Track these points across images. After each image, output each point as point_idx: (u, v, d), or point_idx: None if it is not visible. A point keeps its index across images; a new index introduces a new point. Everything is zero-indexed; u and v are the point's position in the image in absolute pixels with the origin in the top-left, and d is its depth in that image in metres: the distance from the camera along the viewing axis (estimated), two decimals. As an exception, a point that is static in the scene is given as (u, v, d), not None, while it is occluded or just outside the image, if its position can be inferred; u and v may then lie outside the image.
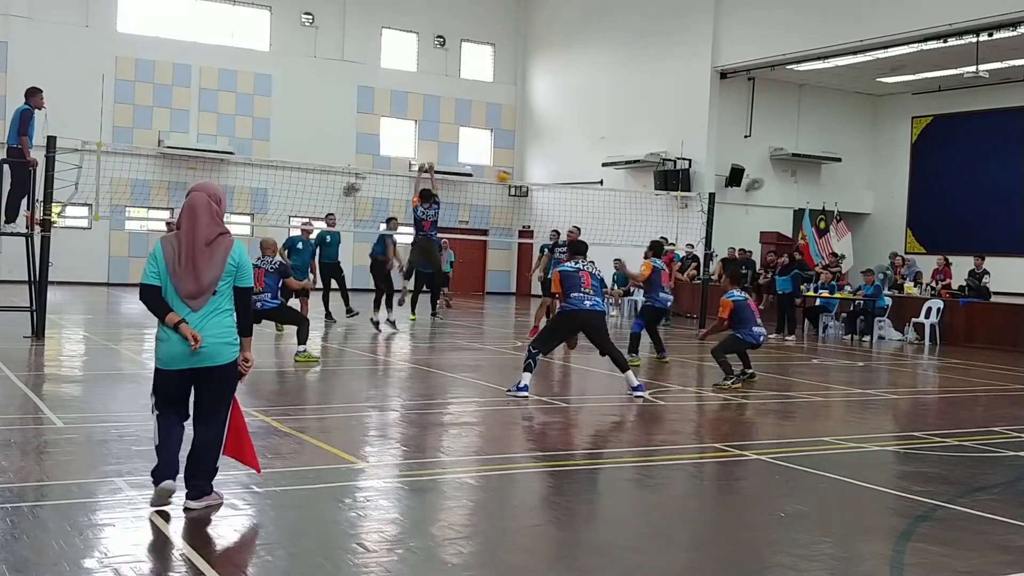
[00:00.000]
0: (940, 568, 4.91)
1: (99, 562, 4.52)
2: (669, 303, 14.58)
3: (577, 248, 11.08)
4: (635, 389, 10.33)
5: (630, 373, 10.47)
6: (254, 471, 5.71)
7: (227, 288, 5.36)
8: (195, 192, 5.40)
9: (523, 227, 32.00)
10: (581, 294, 10.37)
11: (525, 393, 10.00)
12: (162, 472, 5.29)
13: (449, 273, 25.84)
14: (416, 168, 19.19)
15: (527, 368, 10.17)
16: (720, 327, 11.92)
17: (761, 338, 11.66)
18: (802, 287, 21.11)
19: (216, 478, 5.46)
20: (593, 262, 10.82)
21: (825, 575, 4.76)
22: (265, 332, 14.85)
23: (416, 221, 17.20)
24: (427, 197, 17.12)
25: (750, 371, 11.88)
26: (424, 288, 18.97)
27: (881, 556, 5.11)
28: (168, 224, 20.21)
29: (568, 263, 10.78)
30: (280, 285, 12.76)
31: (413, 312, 19.13)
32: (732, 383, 11.30)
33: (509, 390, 10.17)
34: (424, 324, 18.90)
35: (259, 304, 12.26)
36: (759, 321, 11.74)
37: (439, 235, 18.16)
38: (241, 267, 5.38)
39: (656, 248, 15.35)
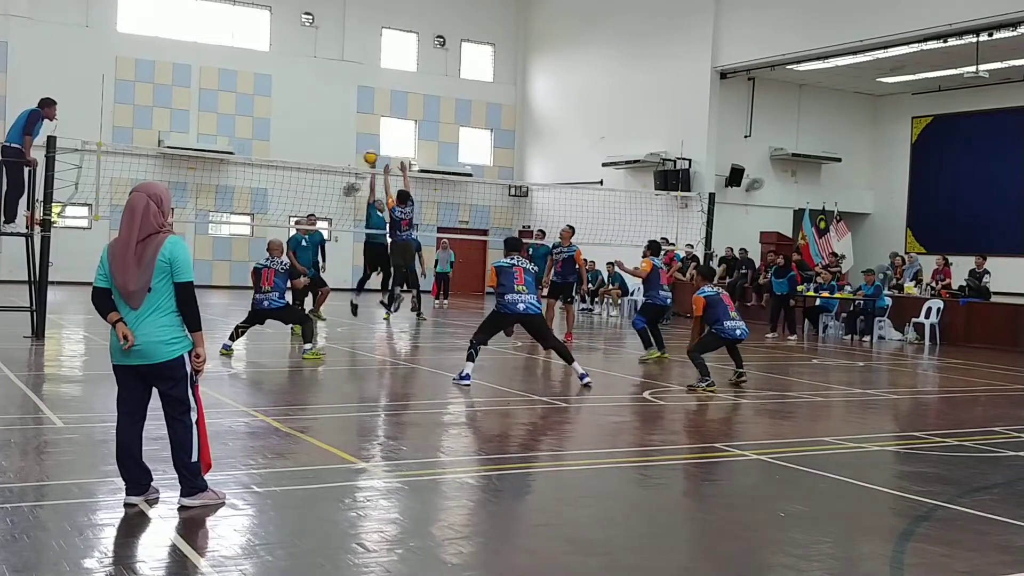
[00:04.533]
0: (940, 568, 4.91)
1: (99, 562, 4.52)
2: (669, 300, 15.01)
3: (512, 245, 11.53)
4: (582, 377, 10.90)
5: (576, 364, 11.05)
6: (255, 472, 5.70)
7: (164, 286, 5.27)
8: (135, 192, 5.38)
9: (523, 227, 32.01)
10: (515, 294, 10.91)
11: (468, 382, 10.66)
12: (127, 489, 5.43)
13: (449, 273, 25.89)
14: (390, 167, 18.37)
15: (469, 358, 10.88)
16: (699, 327, 11.83)
17: (738, 332, 11.48)
18: (800, 288, 21.11)
19: (217, 477, 5.45)
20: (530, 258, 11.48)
21: (825, 575, 4.76)
22: (271, 333, 14.85)
23: (394, 222, 17.17)
24: (404, 198, 17.11)
25: (741, 371, 11.72)
26: (404, 288, 18.51)
27: (881, 556, 5.10)
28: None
29: (504, 260, 11.29)
30: (288, 286, 13.44)
31: (389, 311, 18.63)
32: (707, 385, 11.14)
33: (455, 379, 10.77)
34: (425, 325, 18.91)
35: (266, 303, 12.89)
36: (733, 315, 11.57)
37: (440, 235, 18.02)
38: (174, 263, 5.27)
39: (654, 247, 15.41)
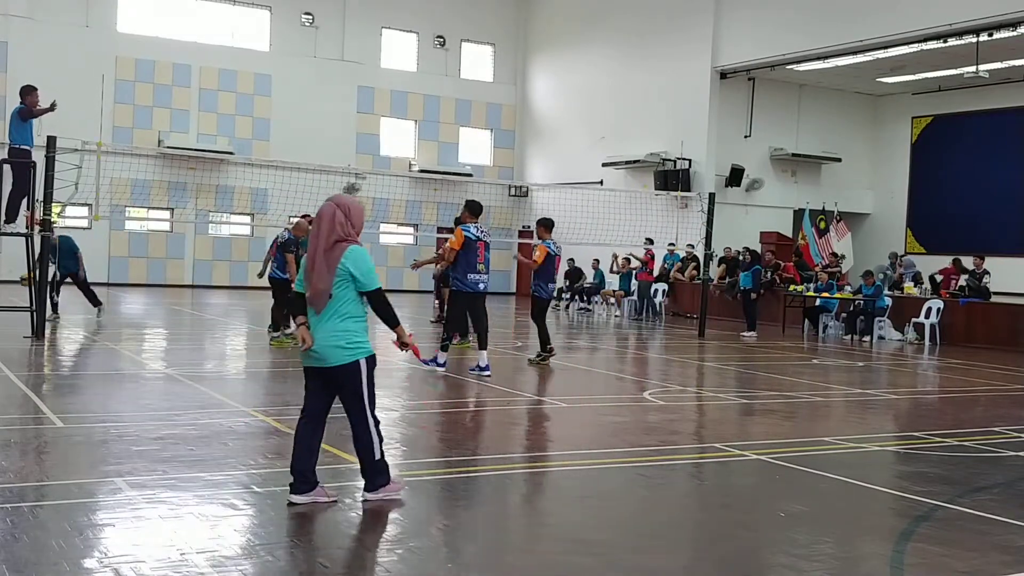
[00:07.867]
0: (940, 568, 4.91)
1: (99, 562, 4.52)
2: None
3: (476, 210, 11.74)
4: (479, 367, 11.26)
5: (484, 353, 11.43)
6: (255, 472, 5.71)
7: (344, 293, 5.48)
8: (326, 203, 5.62)
9: (523, 227, 32.01)
10: (478, 274, 11.32)
11: (487, 373, 11.16)
12: (292, 486, 5.59)
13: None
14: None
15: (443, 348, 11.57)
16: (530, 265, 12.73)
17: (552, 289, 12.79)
18: (796, 287, 21.02)
19: (217, 477, 5.45)
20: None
21: (825, 575, 4.76)
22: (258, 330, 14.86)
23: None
24: None
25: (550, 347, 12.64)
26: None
27: (881, 556, 5.11)
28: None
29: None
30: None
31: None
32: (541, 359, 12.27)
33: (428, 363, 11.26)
34: (423, 325, 18.91)
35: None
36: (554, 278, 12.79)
37: (439, 235, 17.91)
38: (355, 273, 5.46)
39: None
